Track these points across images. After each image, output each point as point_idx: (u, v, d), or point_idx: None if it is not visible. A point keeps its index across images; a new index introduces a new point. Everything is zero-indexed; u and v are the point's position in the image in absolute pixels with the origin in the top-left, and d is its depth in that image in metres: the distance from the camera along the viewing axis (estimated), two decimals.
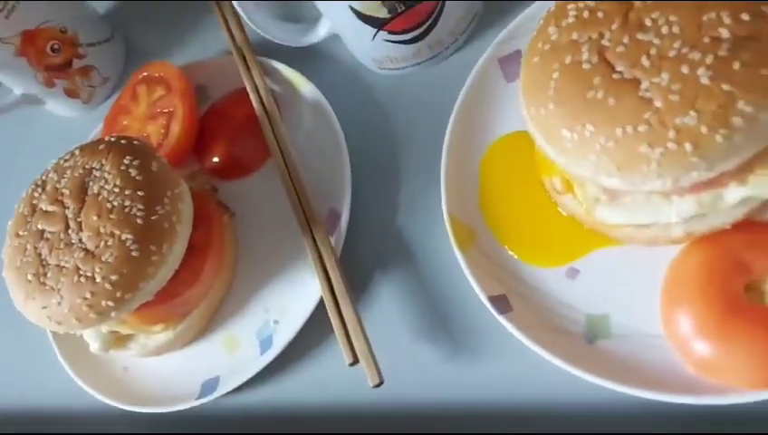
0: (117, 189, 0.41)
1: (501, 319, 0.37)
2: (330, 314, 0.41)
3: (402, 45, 0.45)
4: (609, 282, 0.37)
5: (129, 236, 0.40)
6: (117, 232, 0.40)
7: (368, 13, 0.42)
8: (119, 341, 0.46)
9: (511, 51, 0.44)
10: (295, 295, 0.44)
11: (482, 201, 0.42)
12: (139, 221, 0.40)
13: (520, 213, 0.41)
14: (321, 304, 0.42)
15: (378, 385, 0.38)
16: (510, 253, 0.40)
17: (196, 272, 0.43)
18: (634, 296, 0.36)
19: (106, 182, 0.41)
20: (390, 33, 0.44)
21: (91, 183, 0.42)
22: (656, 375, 0.34)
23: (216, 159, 0.51)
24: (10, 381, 0.53)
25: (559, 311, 0.38)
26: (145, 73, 0.53)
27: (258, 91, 0.50)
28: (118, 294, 0.39)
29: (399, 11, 0.42)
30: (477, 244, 0.41)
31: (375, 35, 0.44)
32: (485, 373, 0.39)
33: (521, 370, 0.38)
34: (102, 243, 0.40)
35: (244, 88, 0.51)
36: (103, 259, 0.39)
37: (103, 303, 0.39)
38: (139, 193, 0.41)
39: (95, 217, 0.40)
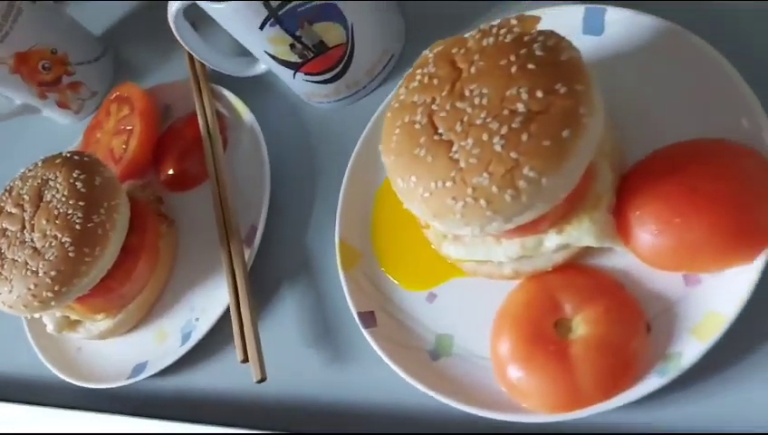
0: (64, 199, 0.49)
1: (365, 332, 0.43)
2: (232, 318, 0.48)
3: (321, 84, 0.51)
4: (459, 307, 0.43)
5: (68, 240, 0.47)
6: (59, 235, 0.47)
7: (282, 57, 0.48)
8: (70, 325, 0.54)
9: None
10: (215, 298, 0.51)
11: (372, 228, 0.48)
12: (77, 227, 0.47)
13: (400, 242, 0.46)
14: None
15: (260, 381, 0.44)
16: (386, 275, 0.46)
17: (129, 272, 0.51)
18: (475, 322, 0.41)
19: (57, 192, 0.49)
20: (307, 74, 0.50)
21: (46, 191, 0.50)
22: (477, 393, 0.39)
23: (169, 172, 0.58)
24: None
25: (415, 329, 0.43)
26: (117, 93, 0.61)
27: (206, 115, 0.57)
28: (56, 287, 0.47)
29: (309, 57, 0.48)
30: (360, 265, 0.46)
31: (294, 75, 0.50)
32: (351, 378, 0.45)
33: (379, 377, 0.43)
34: (47, 243, 0.48)
35: None
36: (46, 257, 0.47)
37: (44, 293, 0.47)
38: (80, 203, 0.48)
39: (44, 221, 0.48)
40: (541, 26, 0.42)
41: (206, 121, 0.56)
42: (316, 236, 0.51)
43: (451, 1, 0.53)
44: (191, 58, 0.60)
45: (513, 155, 0.33)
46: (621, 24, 0.43)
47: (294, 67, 0.49)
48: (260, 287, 0.50)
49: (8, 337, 0.62)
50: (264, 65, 0.55)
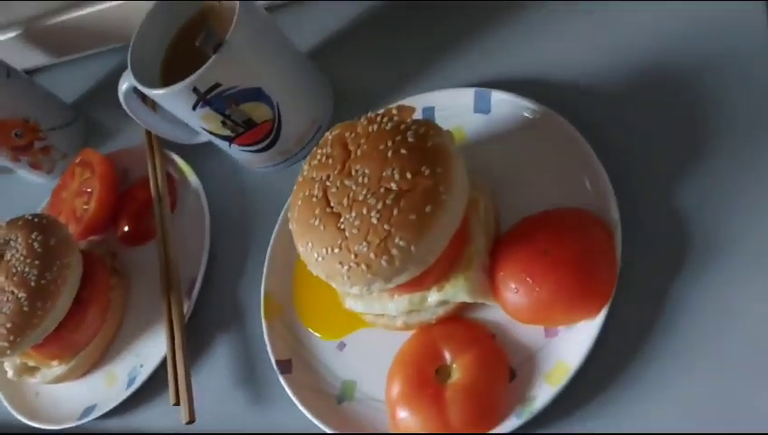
0: (22, 257, 0.55)
1: (280, 378, 0.48)
2: (168, 364, 0.53)
3: (255, 153, 0.58)
4: (363, 356, 0.48)
5: (23, 295, 0.53)
6: (15, 291, 0.53)
7: (216, 132, 0.55)
8: (28, 370, 0.60)
9: None
10: (158, 346, 0.56)
11: (294, 283, 0.54)
12: (32, 284, 0.53)
13: (317, 296, 0.52)
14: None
15: (189, 422, 0.50)
16: (304, 326, 0.51)
17: (79, 322, 0.56)
18: (375, 369, 0.46)
19: (16, 251, 0.55)
20: (241, 145, 0.56)
21: (7, 251, 0.56)
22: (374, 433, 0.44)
23: (125, 229, 0.64)
24: None
25: (325, 376, 0.49)
26: (81, 158, 0.67)
27: (156, 178, 0.63)
28: (11, 338, 0.53)
29: (240, 132, 0.54)
30: (282, 316, 0.52)
31: (230, 146, 0.57)
32: (270, 419, 0.50)
33: (293, 419, 0.48)
34: (5, 298, 0.53)
35: None
36: (3, 311, 0.53)
37: (1, 343, 0.53)
38: (36, 262, 0.54)
39: (3, 278, 0.54)
40: (439, 107, 0.49)
41: (157, 184, 0.63)
42: (247, 290, 0.56)
43: (375, 78, 0.60)
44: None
45: (386, 227, 0.39)
46: (505, 105, 0.50)
47: (228, 139, 0.56)
48: (196, 336, 0.56)
49: None
50: (205, 136, 0.61)
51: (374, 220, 0.40)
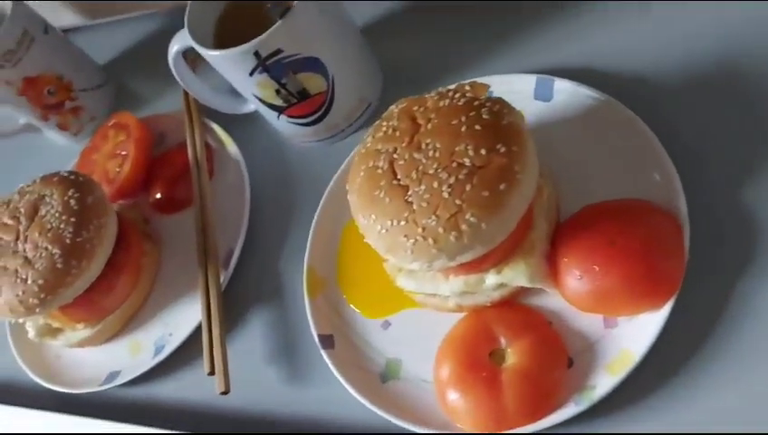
0: (57, 214, 0.53)
1: (322, 353, 0.47)
2: (203, 332, 0.52)
3: (302, 126, 0.57)
4: (409, 335, 0.47)
5: (58, 252, 0.51)
6: (49, 247, 0.52)
7: (268, 101, 0.54)
8: (51, 332, 0.58)
9: None
10: (189, 315, 0.55)
11: (338, 259, 0.53)
12: (67, 241, 0.52)
13: (362, 272, 0.51)
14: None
15: (224, 393, 0.48)
16: (348, 303, 0.50)
17: (111, 285, 0.55)
18: (422, 349, 0.45)
19: (52, 207, 0.54)
20: (290, 117, 0.55)
21: (41, 207, 0.54)
22: (420, 414, 0.43)
23: (157, 195, 0.63)
24: None
25: (369, 354, 0.48)
26: (115, 120, 0.66)
27: (195, 144, 0.62)
28: (42, 295, 0.51)
29: (293, 102, 0.53)
30: (325, 292, 0.51)
31: (278, 117, 0.56)
32: (308, 395, 0.49)
33: (334, 396, 0.47)
34: (38, 254, 0.52)
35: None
36: (36, 267, 0.51)
37: (30, 300, 0.51)
38: (72, 219, 0.53)
39: (37, 234, 0.53)
40: (496, 92, 0.49)
41: (195, 151, 0.61)
42: (287, 263, 0.55)
43: (426, 59, 0.59)
44: (185, 93, 0.65)
45: (457, 202, 0.38)
46: (567, 93, 0.49)
47: (279, 110, 0.55)
48: (232, 307, 0.54)
49: None
50: (252, 105, 0.60)
51: (445, 194, 0.39)
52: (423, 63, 0.59)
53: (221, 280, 0.54)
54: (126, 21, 0.81)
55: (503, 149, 0.39)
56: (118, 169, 0.63)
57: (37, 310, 0.52)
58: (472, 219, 0.38)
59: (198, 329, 0.53)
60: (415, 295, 0.46)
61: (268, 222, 0.58)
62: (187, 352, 0.54)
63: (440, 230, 0.39)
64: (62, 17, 0.76)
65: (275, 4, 0.47)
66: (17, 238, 0.53)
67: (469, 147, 0.39)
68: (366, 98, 0.57)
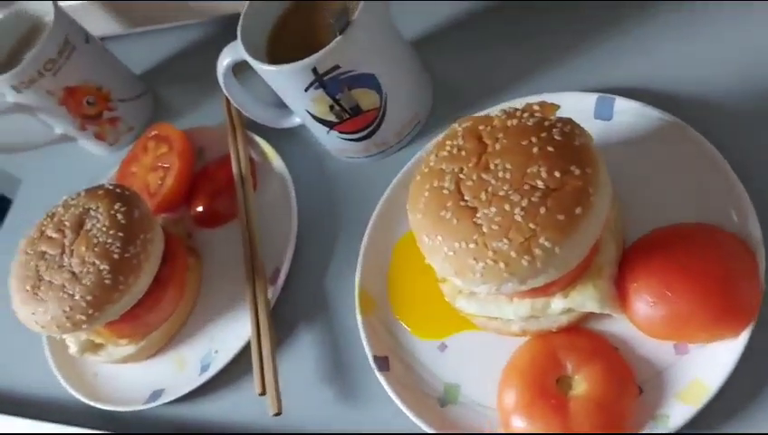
0: (104, 229, 0.52)
1: (378, 375, 0.46)
2: (252, 352, 0.51)
3: (352, 142, 0.56)
4: (467, 359, 0.46)
5: (105, 267, 0.51)
6: (97, 262, 0.51)
7: (320, 116, 0.53)
8: (93, 347, 0.57)
9: None
10: (235, 332, 0.54)
11: (389, 278, 0.52)
12: (115, 256, 0.51)
13: (415, 293, 0.50)
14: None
15: (276, 414, 0.47)
16: (400, 323, 0.49)
17: (157, 301, 0.54)
18: (482, 374, 0.45)
19: (98, 221, 0.53)
20: (341, 132, 0.55)
21: (87, 220, 0.53)
22: None
23: (199, 209, 0.62)
24: (4, 364, 0.65)
25: (425, 376, 0.47)
26: (155, 132, 0.65)
27: (239, 159, 0.61)
28: (89, 311, 0.50)
29: (345, 118, 0.53)
30: (377, 312, 0.50)
31: (328, 132, 0.55)
32: (361, 416, 0.48)
33: (388, 418, 0.46)
34: (85, 269, 0.51)
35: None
36: (83, 282, 0.51)
37: (78, 316, 0.50)
38: (119, 234, 0.52)
39: (84, 248, 0.52)
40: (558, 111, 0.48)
41: (240, 165, 0.61)
42: (336, 280, 0.54)
43: (478, 76, 0.58)
44: (228, 105, 0.65)
45: (531, 225, 0.37)
46: (629, 113, 0.48)
47: (330, 125, 0.54)
48: (279, 325, 0.53)
49: (25, 355, 0.64)
50: (298, 119, 0.59)
51: (518, 217, 0.38)
52: (473, 79, 0.58)
53: (269, 297, 0.53)
54: (162, 31, 0.80)
55: (577, 172, 0.38)
56: (160, 182, 0.62)
57: (84, 326, 0.51)
58: (546, 243, 0.37)
59: (245, 347, 0.52)
60: (474, 318, 0.45)
61: (314, 238, 0.57)
62: (234, 370, 0.53)
63: (512, 254, 0.38)
64: (99, 26, 0.75)
65: (338, 18, 0.47)
66: (63, 252, 0.53)
67: (542, 168, 0.38)
68: (416, 114, 0.56)
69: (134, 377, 0.57)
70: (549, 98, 0.50)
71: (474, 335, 0.47)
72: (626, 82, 0.51)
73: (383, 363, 0.47)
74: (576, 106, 0.50)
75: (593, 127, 0.49)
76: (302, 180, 0.59)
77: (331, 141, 0.57)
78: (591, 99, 0.50)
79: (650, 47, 0.52)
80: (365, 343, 0.48)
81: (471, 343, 0.47)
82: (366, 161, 0.58)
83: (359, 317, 0.49)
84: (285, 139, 0.62)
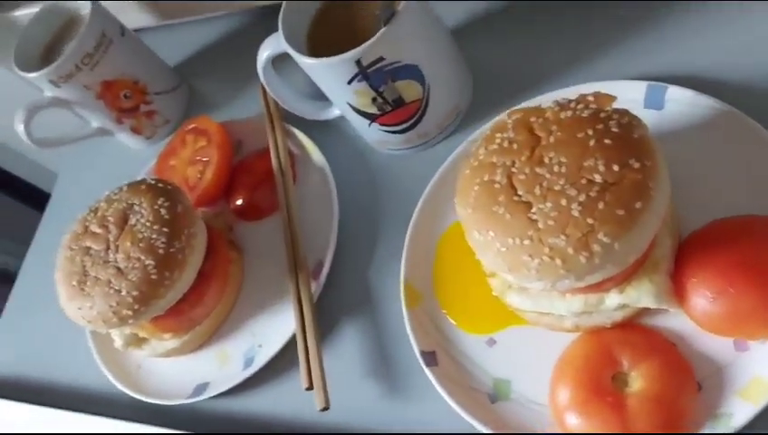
0: (148, 223, 0.52)
1: (426, 371, 0.46)
2: (298, 346, 0.51)
3: (393, 134, 0.55)
4: (517, 354, 0.46)
5: (151, 262, 0.51)
6: (142, 257, 0.51)
7: (362, 109, 0.52)
8: (137, 341, 0.57)
9: None
10: (278, 326, 0.54)
11: (435, 271, 0.51)
12: (160, 251, 0.51)
13: (461, 286, 0.49)
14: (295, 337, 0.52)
15: (324, 409, 0.47)
16: (447, 317, 0.49)
17: (201, 295, 0.54)
18: (533, 369, 0.44)
19: (141, 216, 0.53)
20: (382, 124, 0.54)
21: (130, 215, 0.54)
22: None
23: (239, 202, 0.62)
24: (48, 357, 0.66)
25: (474, 372, 0.46)
26: (193, 125, 0.65)
27: (278, 151, 0.61)
28: (136, 306, 0.51)
29: (387, 110, 0.52)
30: (423, 305, 0.50)
31: (370, 125, 0.54)
32: (409, 412, 0.48)
33: (437, 414, 0.46)
34: (131, 265, 0.51)
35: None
36: (129, 278, 0.51)
37: (124, 311, 0.51)
38: (164, 229, 0.52)
39: (128, 244, 0.52)
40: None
41: (279, 157, 0.60)
42: (379, 273, 0.54)
43: (519, 65, 0.57)
44: (265, 97, 0.64)
45: (589, 220, 0.37)
46: (681, 102, 0.47)
47: (372, 118, 0.53)
48: (323, 319, 0.53)
49: (68, 348, 0.65)
50: (337, 110, 0.59)
51: (575, 213, 0.37)
52: (514, 68, 0.57)
53: (312, 290, 0.53)
54: (194, 23, 0.80)
55: (636, 165, 0.37)
56: (199, 176, 0.62)
57: (130, 321, 0.51)
58: (605, 239, 0.36)
59: (289, 341, 0.52)
60: (525, 313, 0.45)
61: (356, 231, 0.57)
62: (278, 364, 0.53)
63: (570, 250, 0.37)
64: (132, 18, 0.75)
65: (383, 9, 0.46)
66: (107, 248, 0.53)
67: (599, 162, 0.37)
68: (458, 105, 0.56)
69: (178, 371, 0.57)
70: (596, 87, 0.49)
71: (523, 330, 0.46)
72: (676, 69, 0.50)
73: (431, 358, 0.47)
74: (625, 95, 0.48)
75: (644, 116, 0.47)
76: (342, 172, 0.59)
77: (371, 134, 0.56)
78: (641, 87, 0.48)
79: (701, 32, 0.50)
80: (412, 337, 0.48)
81: (521, 337, 0.46)
82: (407, 153, 0.57)
83: (405, 311, 0.49)
84: (324, 130, 0.62)
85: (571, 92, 0.50)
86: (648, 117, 0.47)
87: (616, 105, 0.42)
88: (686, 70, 0.49)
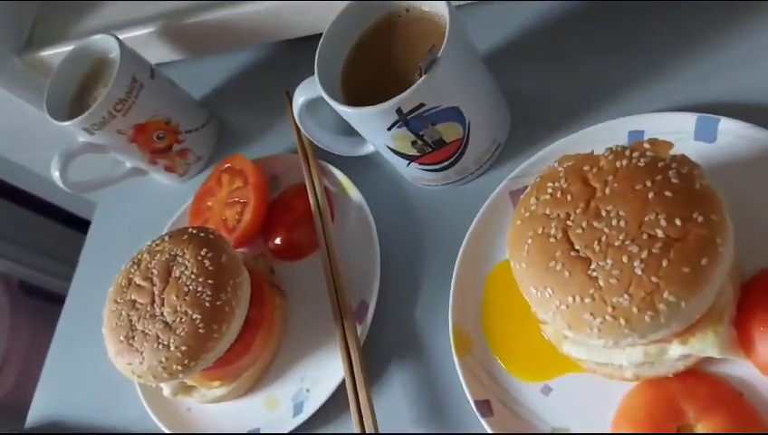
0: (193, 276, 0.52)
1: (482, 421, 0.45)
2: (348, 392, 0.50)
3: (432, 172, 0.54)
4: (576, 402, 0.45)
5: (198, 316, 0.51)
6: (189, 311, 0.51)
7: (402, 151, 0.51)
8: (185, 389, 0.57)
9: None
10: (327, 371, 0.54)
11: (483, 314, 0.50)
12: (206, 304, 0.51)
13: (513, 331, 0.49)
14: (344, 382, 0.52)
15: None
16: (500, 364, 0.48)
17: (248, 344, 0.54)
18: (593, 418, 0.43)
19: (186, 268, 0.53)
20: (421, 164, 0.53)
21: (174, 267, 0.53)
22: None
23: (277, 241, 0.62)
24: (98, 406, 0.66)
25: (531, 420, 0.45)
26: (228, 165, 0.65)
27: (315, 190, 0.60)
28: (185, 361, 0.50)
29: (427, 151, 0.51)
30: (473, 351, 0.49)
31: (408, 165, 0.53)
32: None
33: None
34: (178, 319, 0.51)
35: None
36: (177, 332, 0.51)
37: (174, 366, 0.51)
38: (209, 281, 0.51)
39: (174, 297, 0.52)
40: (648, 132, 0.45)
41: (315, 195, 0.60)
42: (424, 316, 0.53)
43: (558, 94, 0.55)
44: (299, 135, 0.64)
45: (653, 279, 0.36)
46: (734, 134, 0.45)
47: (411, 159, 0.52)
48: (370, 362, 0.53)
49: (119, 393, 0.65)
50: (371, 148, 0.58)
51: (638, 271, 0.36)
52: (553, 97, 0.56)
53: (358, 333, 0.53)
54: (217, 56, 0.79)
55: (700, 219, 0.36)
56: (238, 217, 0.61)
57: (180, 376, 0.51)
58: (671, 298, 0.35)
59: (338, 385, 0.52)
60: (582, 362, 0.44)
61: (399, 269, 0.56)
62: (328, 409, 0.52)
63: (634, 310, 0.36)
64: (153, 54, 0.75)
65: (426, 60, 0.45)
66: (153, 301, 0.53)
67: (661, 216, 0.36)
68: (496, 139, 0.55)
69: (228, 415, 0.57)
70: (642, 120, 0.48)
71: (580, 377, 0.45)
72: (728, 99, 0.48)
73: (486, 408, 0.46)
74: (673, 127, 0.47)
75: (694, 149, 0.46)
76: (380, 208, 0.58)
77: (408, 172, 0.56)
78: (690, 119, 0.47)
79: (752, 58, 0.49)
80: (465, 386, 0.47)
81: (578, 385, 0.45)
82: (444, 188, 0.57)
83: (456, 359, 0.48)
84: (359, 167, 0.61)
85: (615, 126, 0.49)
86: (698, 150, 0.46)
87: (663, 138, 0.41)
88: (739, 100, 0.48)
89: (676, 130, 0.47)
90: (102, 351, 0.54)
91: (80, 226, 1.12)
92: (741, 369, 0.40)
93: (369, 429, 0.48)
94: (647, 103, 0.51)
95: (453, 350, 0.48)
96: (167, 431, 0.58)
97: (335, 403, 0.52)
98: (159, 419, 0.59)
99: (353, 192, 0.59)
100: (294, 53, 0.73)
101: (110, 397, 0.65)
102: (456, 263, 0.51)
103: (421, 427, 0.50)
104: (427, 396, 0.50)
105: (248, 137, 0.72)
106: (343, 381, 0.52)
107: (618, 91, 0.53)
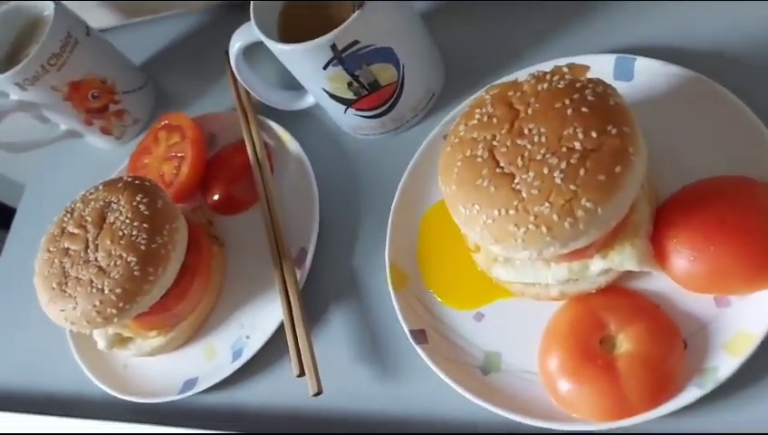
0: (128, 220, 0.52)
1: (417, 349, 0.47)
2: (286, 334, 0.51)
3: (369, 119, 0.55)
4: (505, 326, 0.46)
5: (133, 259, 0.50)
6: (124, 255, 0.50)
7: (338, 94, 0.52)
8: (121, 342, 0.57)
9: None
10: (265, 316, 0.54)
11: (419, 252, 0.52)
12: (142, 248, 0.50)
13: (446, 264, 0.50)
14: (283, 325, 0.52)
15: (316, 394, 0.47)
16: (434, 296, 0.49)
17: (185, 291, 0.54)
18: (522, 340, 0.45)
19: (120, 214, 0.52)
20: (358, 110, 0.54)
21: (108, 213, 0.53)
22: (528, 405, 0.43)
23: (216, 197, 0.62)
24: (30, 367, 0.65)
25: (464, 347, 0.47)
26: (166, 122, 0.64)
27: (254, 144, 0.61)
28: (120, 304, 0.50)
29: (363, 94, 0.52)
30: (409, 286, 0.50)
31: (346, 111, 0.54)
32: (403, 392, 0.48)
33: (430, 391, 0.46)
34: (112, 262, 0.50)
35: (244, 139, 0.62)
36: (111, 276, 0.50)
37: (108, 310, 0.50)
38: (144, 225, 0.51)
39: (109, 242, 0.51)
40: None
41: (255, 150, 0.60)
42: (363, 258, 0.54)
43: (489, 45, 0.58)
44: (237, 90, 0.64)
45: (572, 187, 0.37)
46: (649, 72, 0.48)
47: (348, 103, 0.53)
48: (309, 307, 0.53)
49: (50, 354, 0.63)
50: (311, 99, 0.59)
51: (557, 180, 0.38)
52: (484, 49, 0.58)
53: (297, 278, 0.53)
54: (157, 21, 0.79)
55: (614, 131, 0.38)
56: (175, 172, 0.61)
57: (115, 320, 0.51)
58: (588, 205, 0.37)
59: (276, 330, 0.52)
60: (511, 285, 0.46)
61: (338, 217, 0.57)
62: (266, 354, 0.53)
63: (554, 217, 0.38)
64: (94, 18, 0.74)
65: None
66: (87, 247, 0.52)
67: (578, 130, 0.38)
68: (431, 88, 0.56)
69: (166, 368, 0.57)
70: (566, 62, 0.51)
71: (510, 302, 0.47)
72: (644, 41, 0.51)
73: (421, 337, 0.47)
74: (595, 69, 0.49)
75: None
76: (319, 161, 0.59)
77: (347, 120, 0.57)
78: (610, 60, 0.50)
79: (666, 4, 0.52)
80: (401, 317, 0.48)
81: (507, 309, 0.47)
82: (382, 138, 0.58)
83: (392, 292, 0.49)
84: (298, 121, 0.62)
85: (543, 67, 0.51)
86: (618, 88, 0.48)
87: (587, 69, 0.43)
88: (654, 41, 0.51)
89: (597, 72, 0.49)
90: (34, 311, 0.53)
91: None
92: (657, 283, 0.43)
93: (307, 368, 0.49)
94: (570, 49, 0.53)
95: (389, 285, 0.49)
96: (105, 388, 0.57)
97: (275, 349, 0.53)
98: (95, 376, 0.58)
99: (292, 145, 0.60)
100: (232, 19, 0.73)
101: (41, 356, 0.64)
102: (393, 205, 0.52)
103: (360, 362, 0.50)
104: (365, 333, 0.51)
105: (187, 101, 0.72)
106: (282, 325, 0.52)
107: (542, 40, 0.55)
